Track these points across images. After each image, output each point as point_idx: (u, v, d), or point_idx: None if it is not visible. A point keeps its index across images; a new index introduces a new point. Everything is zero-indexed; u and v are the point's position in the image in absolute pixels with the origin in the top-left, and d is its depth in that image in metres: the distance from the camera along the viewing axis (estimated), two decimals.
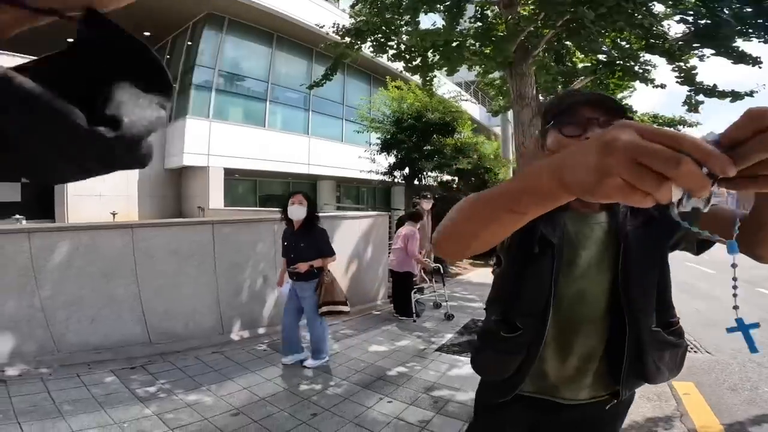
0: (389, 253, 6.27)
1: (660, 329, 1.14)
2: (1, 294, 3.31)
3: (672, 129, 0.44)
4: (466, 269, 7.99)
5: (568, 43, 4.36)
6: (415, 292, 5.51)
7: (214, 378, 3.23)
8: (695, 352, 4.27)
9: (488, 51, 4.21)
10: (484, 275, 9.40)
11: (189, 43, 11.95)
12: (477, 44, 4.18)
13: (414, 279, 5.62)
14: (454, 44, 3.93)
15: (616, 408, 1.22)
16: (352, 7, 4.46)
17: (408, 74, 5.40)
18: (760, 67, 4.28)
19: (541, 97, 5.10)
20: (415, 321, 5.23)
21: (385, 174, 9.01)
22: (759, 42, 3.98)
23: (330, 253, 3.61)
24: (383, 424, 2.63)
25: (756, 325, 0.53)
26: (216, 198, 11.26)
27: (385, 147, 8.80)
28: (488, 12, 4.15)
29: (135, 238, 3.88)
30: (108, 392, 2.86)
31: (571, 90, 0.83)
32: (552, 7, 3.36)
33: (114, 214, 10.36)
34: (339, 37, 4.53)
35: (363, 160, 9.74)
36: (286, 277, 3.70)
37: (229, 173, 11.68)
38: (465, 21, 4.30)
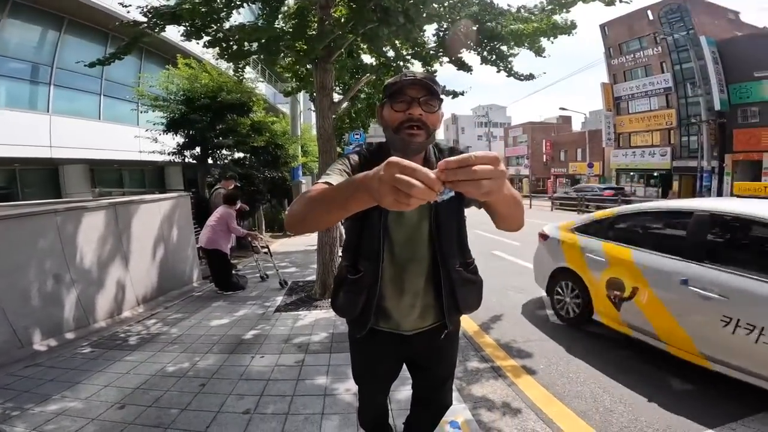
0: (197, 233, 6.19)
1: (462, 269, 1.44)
2: None
3: (416, 166, 0.70)
4: (269, 241, 8.45)
5: (363, 45, 5.32)
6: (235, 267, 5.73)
7: (57, 387, 2.88)
8: None
9: (301, 47, 4.74)
10: (285, 244, 10.11)
11: None
12: (292, 40, 4.63)
13: (227, 255, 5.72)
14: (274, 39, 4.29)
15: (450, 336, 1.53)
16: None
17: (206, 50, 5.28)
18: (471, 73, 6.23)
19: (335, 92, 5.96)
20: (243, 290, 5.53)
21: (173, 154, 8.33)
22: (475, 54, 5.74)
23: None
24: (268, 371, 3.11)
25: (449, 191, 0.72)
26: None
27: (173, 126, 8.14)
28: (306, 12, 4.62)
29: None
30: None
31: (407, 71, 1.22)
32: (361, 19, 4.18)
33: None
34: (145, 18, 4.13)
35: (140, 140, 8.59)
36: None
37: None
38: (280, 17, 4.66)
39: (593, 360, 3.41)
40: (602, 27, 32.75)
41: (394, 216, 1.34)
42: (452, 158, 0.71)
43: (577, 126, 48.82)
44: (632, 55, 30.55)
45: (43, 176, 11.90)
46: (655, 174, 29.92)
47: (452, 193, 0.73)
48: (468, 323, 4.34)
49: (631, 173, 31.88)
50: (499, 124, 60.87)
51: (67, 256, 4.16)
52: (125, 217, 4.94)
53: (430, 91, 1.21)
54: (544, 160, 41.68)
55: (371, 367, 1.59)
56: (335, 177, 1.21)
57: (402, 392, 2.58)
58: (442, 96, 1.28)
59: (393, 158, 0.72)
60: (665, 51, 27.97)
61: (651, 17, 28.70)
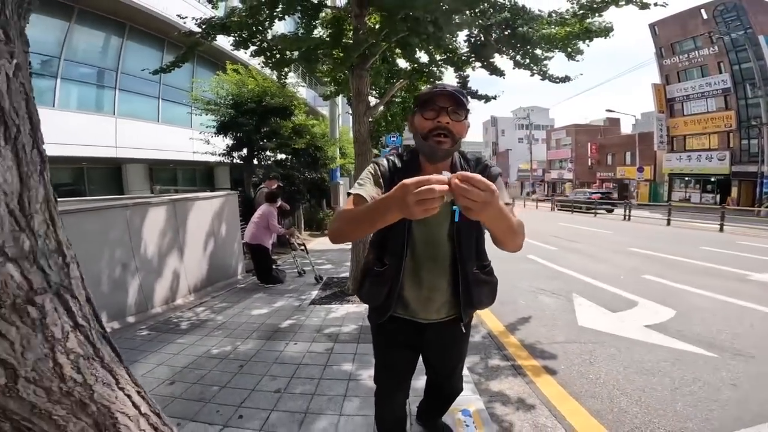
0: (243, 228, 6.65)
1: (478, 271, 1.56)
2: None
3: (424, 177, 0.90)
4: (307, 240, 8.86)
5: (397, 50, 5.58)
6: (275, 262, 6.14)
7: None
8: None
9: (338, 54, 5.03)
10: (322, 243, 10.51)
11: None
12: (329, 48, 4.94)
13: (269, 250, 6.13)
14: (312, 48, 4.61)
15: (464, 328, 1.65)
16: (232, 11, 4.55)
17: (253, 59, 5.70)
18: (503, 78, 6.27)
19: (371, 96, 6.21)
20: (282, 283, 5.91)
21: (223, 155, 8.97)
22: (507, 58, 5.82)
23: None
24: (300, 357, 3.39)
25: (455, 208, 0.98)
26: None
27: (223, 129, 8.76)
28: (341, 21, 4.92)
29: None
30: None
31: (438, 83, 1.35)
32: (392, 28, 4.40)
33: None
34: (199, 29, 4.59)
35: (194, 141, 9.34)
36: None
37: None
38: (318, 24, 5.00)
39: (617, 364, 3.42)
40: (651, 26, 31.23)
41: (418, 219, 1.54)
42: (467, 173, 0.90)
43: (626, 128, 46.73)
44: (686, 55, 28.96)
45: (107, 174, 12.98)
46: (713, 179, 28.18)
47: None
48: (494, 323, 4.45)
49: (686, 178, 30.16)
50: (541, 126, 59.11)
51: (133, 247, 4.65)
52: (182, 213, 5.42)
53: (457, 102, 1.33)
54: (589, 163, 40.19)
55: (389, 353, 1.71)
56: (367, 187, 1.40)
57: (420, 381, 2.75)
58: (469, 107, 1.39)
59: (404, 181, 0.92)
60: (722, 50, 26.34)
61: (705, 16, 27.16)
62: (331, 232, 1.31)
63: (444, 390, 1.93)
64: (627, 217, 18.42)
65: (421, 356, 1.79)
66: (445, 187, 0.89)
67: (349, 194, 1.42)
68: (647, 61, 40.33)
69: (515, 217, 1.23)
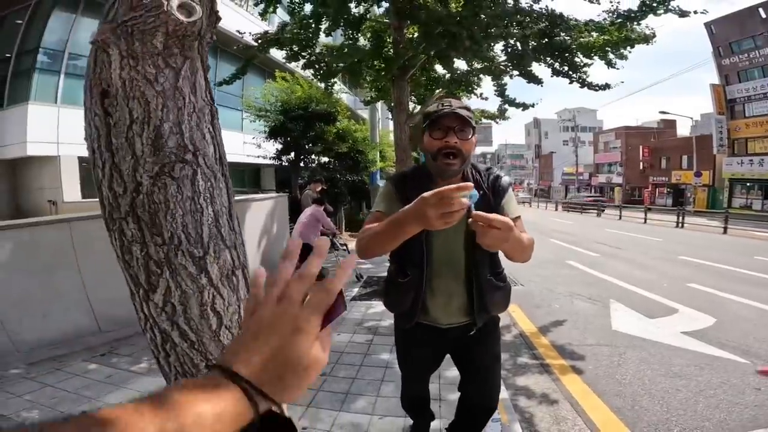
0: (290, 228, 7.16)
1: (492, 278, 1.57)
2: None
3: (443, 189, 0.95)
4: (347, 240, 9.27)
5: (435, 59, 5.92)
6: None
7: None
8: (515, 285, 6.36)
9: (379, 65, 5.40)
10: None
11: (19, 21, 10.24)
12: (371, 59, 5.32)
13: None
14: (356, 61, 5.00)
15: (485, 330, 1.65)
16: (284, 26, 5.04)
17: (304, 72, 6.20)
18: (541, 86, 6.35)
19: (411, 102, 6.52)
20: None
21: (273, 158, 9.63)
22: (545, 66, 5.93)
23: None
24: (343, 346, 3.76)
25: (475, 195, 0.99)
26: (71, 190, 10.26)
27: (273, 134, 9.39)
28: (382, 34, 5.30)
29: (73, 232, 3.92)
30: (108, 375, 3.13)
31: (443, 100, 1.46)
32: (430, 42, 4.70)
33: None
34: (255, 43, 5.13)
35: (244, 144, 10.13)
36: None
37: (81, 162, 10.57)
38: (359, 36, 5.41)
39: (645, 366, 3.51)
40: (708, 25, 29.27)
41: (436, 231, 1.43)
42: (487, 216, 1.01)
43: (683, 131, 44.00)
44: (746, 55, 27.02)
45: None
46: None
47: (477, 196, 0.99)
48: (527, 324, 4.61)
49: (748, 184, 28.11)
50: (588, 128, 56.56)
51: None
52: (241, 213, 5.93)
53: (463, 121, 1.37)
54: (641, 167, 38.28)
55: (412, 353, 1.80)
56: (387, 203, 1.52)
57: (453, 371, 2.93)
58: (474, 125, 1.42)
59: (423, 195, 0.99)
60: None
61: (764, 15, 25.32)
62: (358, 248, 1.37)
63: (474, 400, 1.81)
64: (680, 224, 17.55)
65: (456, 367, 1.83)
66: (466, 202, 0.95)
67: (369, 212, 1.55)
68: (704, 60, 37.85)
69: (526, 234, 1.36)
